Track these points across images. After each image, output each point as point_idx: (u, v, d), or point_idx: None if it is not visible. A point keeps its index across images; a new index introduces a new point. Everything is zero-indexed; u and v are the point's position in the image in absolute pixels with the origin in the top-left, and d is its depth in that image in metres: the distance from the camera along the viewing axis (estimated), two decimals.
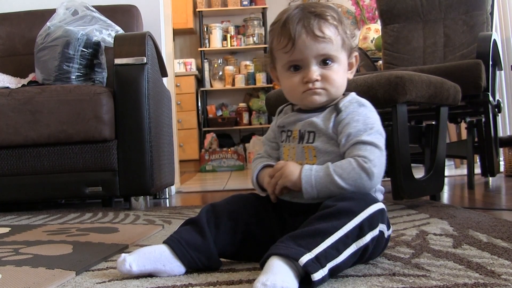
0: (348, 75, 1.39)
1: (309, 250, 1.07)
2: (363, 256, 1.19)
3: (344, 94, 1.37)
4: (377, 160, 1.24)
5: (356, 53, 1.40)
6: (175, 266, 1.23)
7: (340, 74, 1.34)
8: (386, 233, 1.27)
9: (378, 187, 1.34)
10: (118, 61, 2.78)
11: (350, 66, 1.39)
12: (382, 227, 1.22)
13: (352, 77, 1.42)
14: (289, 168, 1.28)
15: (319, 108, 1.36)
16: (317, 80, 1.30)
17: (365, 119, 1.29)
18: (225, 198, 1.38)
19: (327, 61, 1.31)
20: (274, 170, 1.32)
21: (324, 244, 1.08)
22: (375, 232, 1.18)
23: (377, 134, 1.28)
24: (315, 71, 1.30)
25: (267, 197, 1.39)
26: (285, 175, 1.27)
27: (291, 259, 1.06)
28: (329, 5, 1.36)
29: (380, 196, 1.35)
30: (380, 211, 1.21)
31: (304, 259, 1.05)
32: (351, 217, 1.14)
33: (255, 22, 7.43)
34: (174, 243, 1.24)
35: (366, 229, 1.15)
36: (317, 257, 1.06)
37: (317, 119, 1.34)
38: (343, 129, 1.29)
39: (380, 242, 1.23)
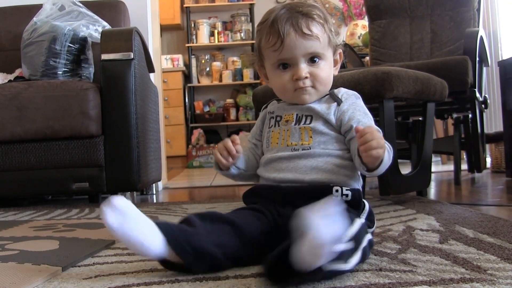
0: (334, 71, 1.45)
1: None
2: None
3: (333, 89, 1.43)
4: None
5: (340, 50, 1.45)
6: (156, 239, 1.20)
7: (327, 71, 1.39)
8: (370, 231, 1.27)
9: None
10: (105, 56, 2.77)
11: (335, 62, 1.45)
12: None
13: (337, 73, 1.48)
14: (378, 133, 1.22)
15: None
16: (306, 78, 1.35)
17: (364, 109, 1.39)
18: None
19: (315, 59, 1.36)
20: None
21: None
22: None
23: None
24: (304, 68, 1.35)
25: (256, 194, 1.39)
26: (379, 136, 1.21)
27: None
28: (314, 4, 1.41)
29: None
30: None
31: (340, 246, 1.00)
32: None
33: (243, 18, 7.42)
34: (160, 223, 1.22)
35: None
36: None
37: (314, 105, 1.39)
38: (349, 118, 1.34)
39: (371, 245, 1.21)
